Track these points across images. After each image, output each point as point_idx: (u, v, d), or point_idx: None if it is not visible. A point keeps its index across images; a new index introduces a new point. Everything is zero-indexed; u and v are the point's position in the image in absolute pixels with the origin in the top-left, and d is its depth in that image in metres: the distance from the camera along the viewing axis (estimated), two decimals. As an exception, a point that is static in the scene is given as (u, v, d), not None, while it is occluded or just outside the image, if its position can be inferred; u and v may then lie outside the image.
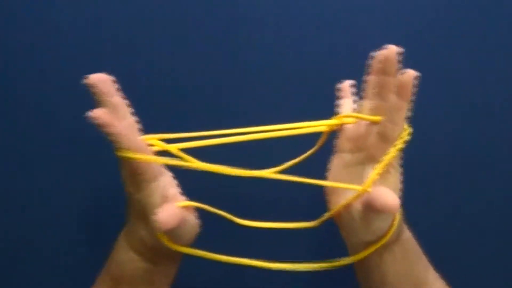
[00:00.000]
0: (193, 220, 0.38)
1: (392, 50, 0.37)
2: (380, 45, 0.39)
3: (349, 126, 0.41)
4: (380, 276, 0.39)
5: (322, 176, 0.42)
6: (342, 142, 0.41)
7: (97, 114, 0.34)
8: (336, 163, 0.41)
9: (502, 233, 0.55)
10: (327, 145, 0.43)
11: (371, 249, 0.37)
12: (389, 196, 0.32)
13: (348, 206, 0.38)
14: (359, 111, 0.41)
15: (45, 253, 0.56)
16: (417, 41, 0.55)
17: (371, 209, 0.34)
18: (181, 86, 0.55)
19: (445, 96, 0.55)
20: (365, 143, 0.39)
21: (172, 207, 0.34)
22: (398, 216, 0.36)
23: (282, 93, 0.55)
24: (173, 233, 0.36)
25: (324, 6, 0.55)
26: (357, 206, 0.37)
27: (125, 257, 0.39)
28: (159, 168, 0.38)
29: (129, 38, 0.55)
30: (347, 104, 0.43)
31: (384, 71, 0.38)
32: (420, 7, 0.55)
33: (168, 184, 0.38)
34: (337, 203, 0.39)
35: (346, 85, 0.44)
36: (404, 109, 0.36)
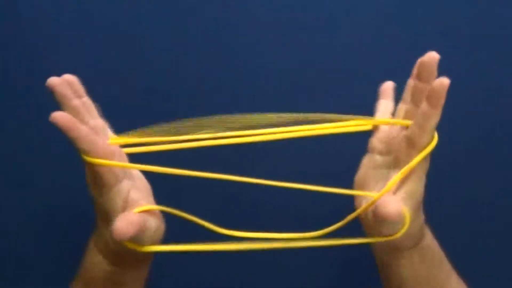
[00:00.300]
0: (155, 224, 0.37)
1: (430, 56, 0.36)
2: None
3: (383, 127, 0.41)
4: (398, 280, 0.39)
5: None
6: (374, 143, 0.41)
7: (58, 116, 0.33)
8: (366, 162, 0.41)
9: (502, 233, 0.57)
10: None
11: (379, 239, 0.37)
12: (392, 205, 0.32)
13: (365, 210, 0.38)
14: (395, 114, 0.41)
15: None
16: (421, 40, 0.55)
17: (375, 215, 0.34)
18: (178, 85, 0.56)
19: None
20: (395, 146, 0.39)
21: (130, 216, 0.34)
22: (407, 221, 0.35)
23: (286, 94, 0.55)
24: (133, 239, 0.35)
25: (325, 7, 0.55)
26: (370, 211, 0.37)
27: (94, 260, 0.40)
28: (123, 173, 0.37)
29: (128, 37, 0.55)
30: (385, 105, 0.43)
31: (420, 77, 0.37)
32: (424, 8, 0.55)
33: (133, 188, 0.38)
34: (361, 203, 0.39)
35: (388, 86, 0.43)
36: (434, 117, 0.35)
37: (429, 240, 0.40)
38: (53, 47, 0.55)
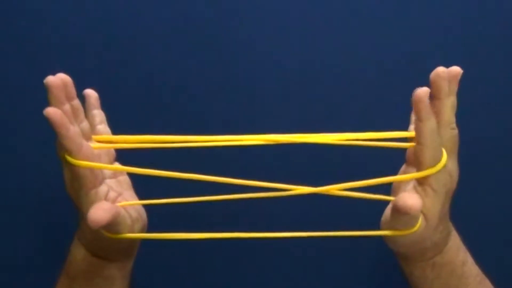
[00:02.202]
0: (133, 214, 0.39)
1: (437, 72, 0.36)
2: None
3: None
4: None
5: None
6: (409, 154, 0.41)
7: (52, 112, 0.34)
8: (401, 172, 0.41)
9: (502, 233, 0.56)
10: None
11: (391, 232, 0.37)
12: (411, 198, 0.32)
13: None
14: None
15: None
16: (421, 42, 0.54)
17: (394, 209, 0.34)
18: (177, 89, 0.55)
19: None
20: None
21: (104, 204, 0.35)
22: (417, 223, 0.36)
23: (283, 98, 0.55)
24: (109, 228, 0.37)
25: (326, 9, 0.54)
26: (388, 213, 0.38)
27: (78, 254, 0.40)
28: (100, 179, 0.38)
29: (127, 36, 0.54)
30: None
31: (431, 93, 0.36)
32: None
33: (112, 186, 0.39)
34: None
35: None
36: (424, 129, 0.34)
37: (448, 258, 0.39)
38: (52, 47, 0.54)
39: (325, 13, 0.54)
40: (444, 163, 0.36)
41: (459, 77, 0.38)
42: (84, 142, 0.37)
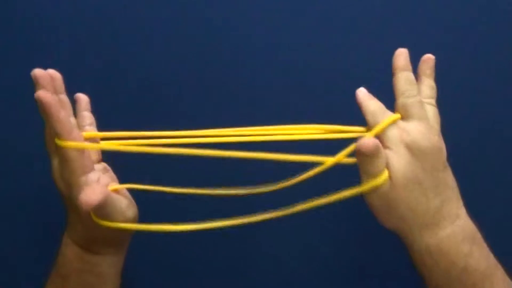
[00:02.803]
0: (124, 202, 0.39)
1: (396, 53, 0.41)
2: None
3: None
4: (425, 281, 0.40)
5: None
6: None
7: (42, 95, 0.35)
8: None
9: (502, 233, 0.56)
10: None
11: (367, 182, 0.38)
12: (367, 139, 0.36)
13: None
14: None
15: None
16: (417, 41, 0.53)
17: (357, 153, 0.37)
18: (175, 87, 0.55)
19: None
20: None
21: (94, 187, 0.35)
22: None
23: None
24: (101, 212, 0.37)
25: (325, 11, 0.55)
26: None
27: (70, 253, 0.41)
28: (90, 166, 0.39)
29: (127, 36, 0.55)
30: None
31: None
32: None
33: (102, 177, 0.40)
34: None
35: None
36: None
37: (447, 246, 0.39)
38: (52, 47, 0.55)
39: (325, 13, 0.55)
40: (385, 123, 0.39)
41: (430, 62, 0.43)
42: (75, 128, 0.38)
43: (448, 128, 0.53)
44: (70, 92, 0.43)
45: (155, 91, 0.55)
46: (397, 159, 0.38)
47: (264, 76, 0.55)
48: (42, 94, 0.35)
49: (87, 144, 0.38)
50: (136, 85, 0.55)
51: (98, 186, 0.36)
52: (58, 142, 0.36)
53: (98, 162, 0.43)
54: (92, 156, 0.41)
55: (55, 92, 0.39)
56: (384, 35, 0.54)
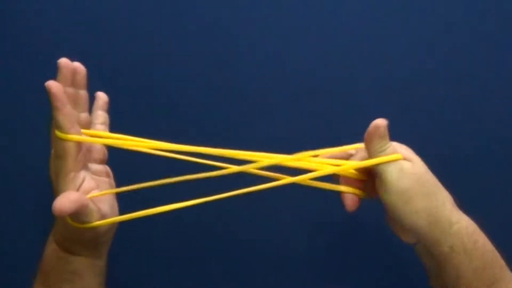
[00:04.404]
0: (106, 208, 0.39)
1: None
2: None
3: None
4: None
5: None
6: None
7: (52, 84, 0.36)
8: None
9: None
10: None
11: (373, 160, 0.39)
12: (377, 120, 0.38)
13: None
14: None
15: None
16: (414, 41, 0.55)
17: (366, 135, 0.39)
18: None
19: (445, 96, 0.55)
20: None
21: (70, 194, 0.36)
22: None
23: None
24: (76, 218, 0.37)
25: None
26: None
27: (49, 249, 0.41)
28: (83, 165, 0.39)
29: (127, 36, 0.55)
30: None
31: None
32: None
33: (88, 179, 0.39)
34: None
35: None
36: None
37: (477, 229, 0.38)
38: (52, 47, 0.55)
39: (325, 14, 0.55)
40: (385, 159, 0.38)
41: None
42: (77, 125, 0.38)
43: (448, 128, 0.54)
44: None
45: (157, 92, 0.55)
46: (405, 152, 0.39)
47: (267, 78, 0.55)
48: (51, 84, 0.36)
49: (80, 137, 0.38)
50: (139, 87, 0.55)
51: (74, 195, 0.36)
52: (57, 133, 0.37)
53: (101, 163, 0.42)
54: (95, 155, 0.42)
55: (74, 85, 0.39)
56: (384, 36, 0.55)
